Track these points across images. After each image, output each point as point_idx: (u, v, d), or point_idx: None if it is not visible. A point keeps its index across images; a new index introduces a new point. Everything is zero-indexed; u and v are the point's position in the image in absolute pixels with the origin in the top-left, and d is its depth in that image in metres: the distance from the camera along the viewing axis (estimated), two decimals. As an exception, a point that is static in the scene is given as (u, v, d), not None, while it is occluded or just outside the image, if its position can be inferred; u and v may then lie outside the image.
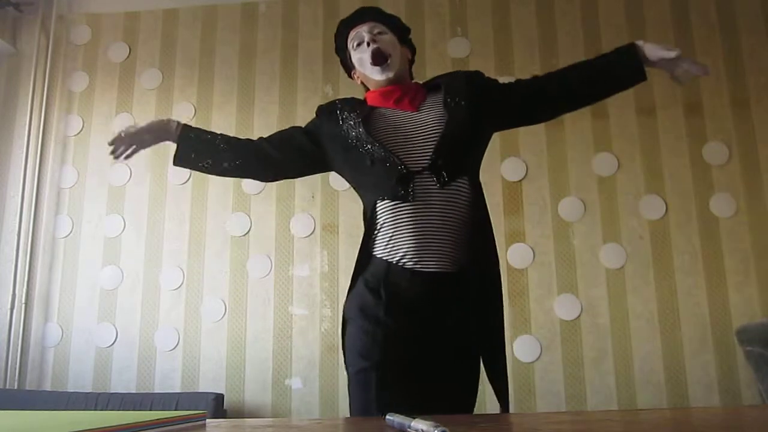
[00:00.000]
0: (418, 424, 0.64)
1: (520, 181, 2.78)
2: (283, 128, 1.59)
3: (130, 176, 3.00)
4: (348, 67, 1.59)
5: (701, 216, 2.66)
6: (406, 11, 2.99)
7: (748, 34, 2.83)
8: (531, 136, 2.82)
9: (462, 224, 1.32)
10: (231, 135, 1.57)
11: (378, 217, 1.34)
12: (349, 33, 1.54)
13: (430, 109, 1.42)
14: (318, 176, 2.88)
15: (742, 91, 2.77)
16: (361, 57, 1.49)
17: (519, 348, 2.59)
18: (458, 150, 1.36)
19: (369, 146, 1.36)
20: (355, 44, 1.51)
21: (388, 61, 1.46)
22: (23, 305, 2.88)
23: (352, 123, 1.41)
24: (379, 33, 1.49)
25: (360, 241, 1.37)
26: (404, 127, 1.39)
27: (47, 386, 2.81)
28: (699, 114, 2.77)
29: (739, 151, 2.72)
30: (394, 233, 1.31)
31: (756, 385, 2.36)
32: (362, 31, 1.49)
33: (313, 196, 2.88)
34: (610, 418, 0.76)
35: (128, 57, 3.15)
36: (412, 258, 1.29)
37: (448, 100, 1.41)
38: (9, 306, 2.88)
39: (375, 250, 1.34)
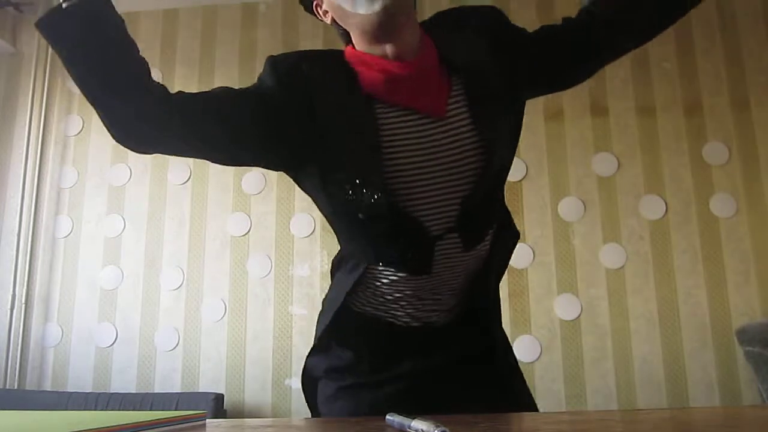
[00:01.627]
0: (418, 424, 0.64)
1: (520, 181, 2.78)
2: None
3: (130, 176, 3.00)
4: None
5: (701, 216, 2.66)
6: (406, 11, 2.99)
7: (748, 34, 2.83)
8: (531, 136, 2.82)
9: (474, 277, 1.01)
10: None
11: (369, 281, 0.99)
12: None
13: (457, 110, 0.91)
14: (318, 176, 2.88)
15: (742, 91, 2.77)
16: None
17: (519, 348, 2.59)
18: (494, 190, 0.97)
19: (375, 194, 0.86)
20: None
21: None
22: (23, 305, 2.88)
23: (349, 128, 0.88)
24: None
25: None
26: (429, 157, 0.88)
27: (47, 386, 2.81)
28: (699, 114, 2.77)
29: (739, 151, 2.72)
30: (392, 299, 1.00)
31: (756, 385, 2.36)
32: None
33: (313, 196, 2.88)
34: (610, 418, 0.76)
35: (128, 57, 3.14)
36: (406, 319, 1.01)
37: (475, 97, 0.90)
38: (9, 306, 2.87)
39: (356, 305, 1.03)
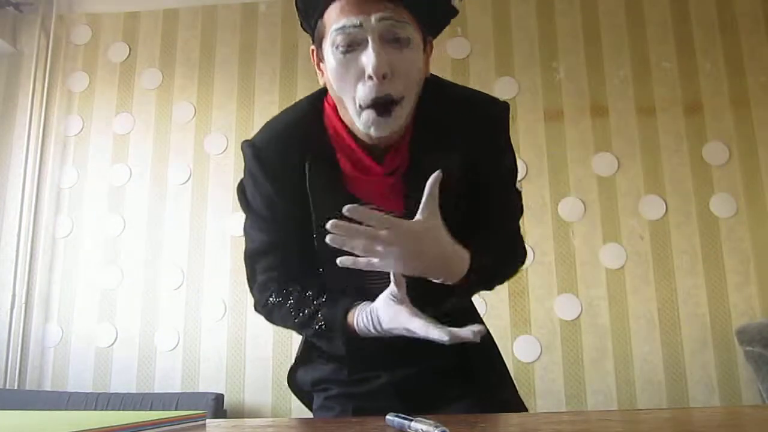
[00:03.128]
0: (418, 424, 0.64)
1: (520, 181, 2.78)
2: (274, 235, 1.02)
3: (130, 176, 3.00)
4: (314, 41, 0.93)
5: (701, 216, 2.66)
6: (406, 11, 2.98)
7: (748, 34, 2.83)
8: (531, 136, 2.82)
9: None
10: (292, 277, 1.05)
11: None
12: (327, 5, 0.86)
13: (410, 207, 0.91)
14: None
15: (742, 91, 2.77)
16: (344, 74, 0.86)
17: (519, 348, 2.59)
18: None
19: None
20: (339, 41, 0.84)
21: (394, 110, 0.87)
22: (23, 305, 2.88)
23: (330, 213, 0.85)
24: (395, 38, 0.84)
25: None
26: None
27: (47, 386, 2.81)
28: (699, 114, 2.77)
29: (739, 151, 2.72)
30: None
31: (756, 385, 2.36)
32: (361, 25, 0.83)
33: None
34: (610, 418, 0.76)
35: (128, 57, 3.15)
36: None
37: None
38: (9, 306, 2.87)
39: None
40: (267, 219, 1.00)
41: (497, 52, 2.93)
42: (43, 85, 3.13)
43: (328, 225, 0.79)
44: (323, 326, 0.94)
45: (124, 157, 3.02)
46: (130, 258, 2.91)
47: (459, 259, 0.88)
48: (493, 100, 1.02)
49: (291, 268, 1.01)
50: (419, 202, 0.86)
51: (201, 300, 2.82)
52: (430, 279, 0.88)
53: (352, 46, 0.85)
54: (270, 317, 1.09)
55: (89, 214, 2.99)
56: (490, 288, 1.06)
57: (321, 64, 0.93)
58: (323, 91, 0.99)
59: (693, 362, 2.53)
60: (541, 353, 2.60)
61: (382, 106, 0.86)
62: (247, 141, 0.99)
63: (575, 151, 2.80)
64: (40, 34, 3.20)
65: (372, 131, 0.88)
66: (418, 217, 0.83)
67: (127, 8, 3.21)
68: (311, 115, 0.98)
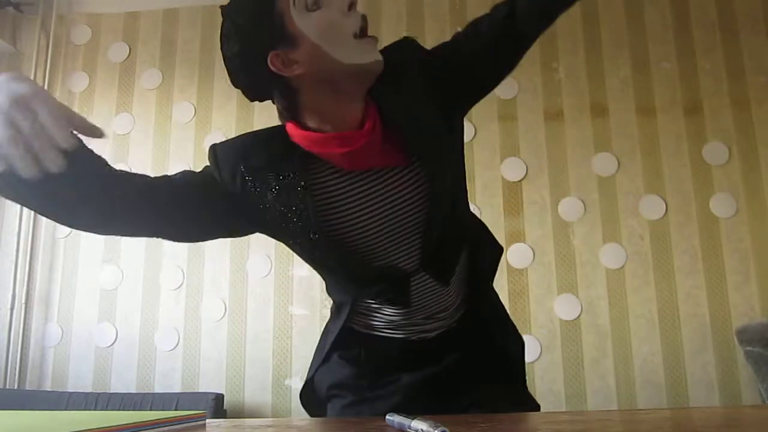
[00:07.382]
0: (418, 423, 0.64)
1: (520, 181, 2.78)
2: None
3: (130, 176, 3.00)
4: (263, 80, 0.91)
5: (701, 216, 2.66)
6: (407, 11, 2.99)
7: (748, 34, 2.83)
8: (531, 136, 2.82)
9: (457, 293, 1.08)
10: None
11: (356, 310, 1.09)
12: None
13: (400, 173, 0.95)
14: (318, 176, 2.88)
15: (742, 91, 2.77)
16: (330, 20, 0.87)
17: (519, 348, 2.59)
18: (452, 224, 1.00)
19: (331, 249, 0.95)
20: (309, 2, 0.87)
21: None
22: (23, 305, 2.88)
23: (289, 201, 0.91)
24: None
25: None
26: (380, 208, 0.94)
27: (47, 386, 2.81)
28: (699, 114, 2.77)
29: (739, 151, 2.72)
30: (385, 324, 1.07)
31: (756, 385, 2.36)
32: None
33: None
34: (610, 418, 0.76)
35: (128, 57, 3.15)
36: (402, 336, 1.07)
37: (415, 152, 0.93)
38: (9, 306, 2.87)
39: (352, 324, 1.11)
40: (194, 181, 1.02)
41: (497, 52, 2.92)
42: (43, 85, 3.13)
43: None
44: None
45: (124, 157, 3.02)
46: (130, 258, 2.91)
47: None
48: (402, 40, 1.02)
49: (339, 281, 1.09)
50: (413, 142, 0.92)
51: (201, 300, 2.82)
52: None
53: (317, 3, 0.87)
54: None
55: (89, 214, 2.98)
56: None
57: (279, 60, 0.88)
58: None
59: (693, 362, 2.53)
60: (541, 353, 2.60)
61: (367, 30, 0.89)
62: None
63: (575, 151, 2.80)
64: (40, 34, 3.20)
65: (373, 56, 0.89)
66: None
67: (127, 8, 3.21)
68: (277, 134, 0.96)
